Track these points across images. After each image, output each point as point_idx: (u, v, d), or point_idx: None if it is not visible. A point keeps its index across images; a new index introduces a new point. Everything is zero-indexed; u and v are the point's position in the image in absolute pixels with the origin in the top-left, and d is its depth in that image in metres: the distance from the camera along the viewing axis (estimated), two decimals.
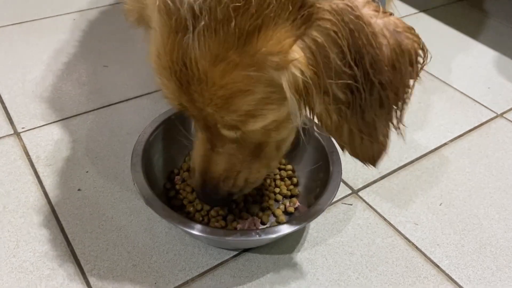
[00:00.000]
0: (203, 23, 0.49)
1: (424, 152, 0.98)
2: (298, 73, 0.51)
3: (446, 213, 0.86)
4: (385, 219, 0.83)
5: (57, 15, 1.31)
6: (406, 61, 0.53)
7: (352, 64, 0.50)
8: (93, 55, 1.17)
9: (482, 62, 1.29)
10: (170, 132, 0.84)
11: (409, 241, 0.80)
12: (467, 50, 1.34)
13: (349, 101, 0.53)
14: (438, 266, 0.77)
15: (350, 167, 0.92)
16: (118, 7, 1.36)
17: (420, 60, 0.54)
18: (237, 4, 0.48)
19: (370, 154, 0.59)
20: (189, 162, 0.86)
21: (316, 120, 0.57)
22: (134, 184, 0.73)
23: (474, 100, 1.14)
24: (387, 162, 0.94)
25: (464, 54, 1.31)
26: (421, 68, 0.55)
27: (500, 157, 0.99)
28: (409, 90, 0.55)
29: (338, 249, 0.78)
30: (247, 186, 0.71)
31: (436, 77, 1.20)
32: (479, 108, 1.12)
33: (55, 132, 0.94)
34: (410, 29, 0.54)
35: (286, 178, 0.85)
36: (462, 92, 1.16)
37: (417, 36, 0.54)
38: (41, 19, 1.29)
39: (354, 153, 0.60)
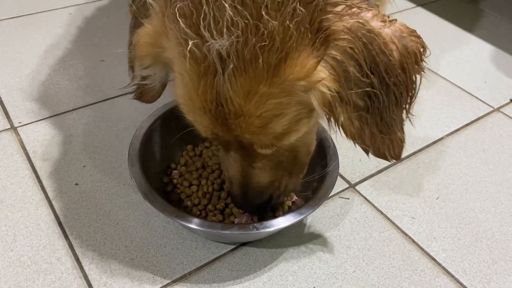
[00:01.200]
0: (232, 65, 0.53)
1: (421, 146, 0.98)
2: (325, 89, 0.55)
3: (443, 207, 0.86)
4: (382, 213, 0.84)
5: (53, 9, 1.31)
6: (413, 61, 0.58)
7: (369, 73, 0.55)
8: (90, 49, 1.16)
9: (479, 57, 1.29)
10: (168, 127, 0.84)
11: (406, 234, 0.81)
12: (464, 44, 1.34)
13: (368, 106, 0.58)
14: (434, 260, 0.77)
15: (347, 161, 0.93)
16: (115, 1, 1.36)
17: (423, 58, 0.60)
18: (263, 43, 0.52)
19: (393, 151, 0.64)
20: (187, 156, 0.86)
21: (340, 130, 0.61)
22: (131, 178, 0.73)
23: (471, 94, 1.14)
24: None
25: (461, 49, 1.32)
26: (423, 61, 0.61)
27: (496, 151, 0.99)
28: (416, 85, 0.61)
29: (335, 243, 0.78)
30: (287, 191, 0.74)
31: (434, 72, 1.20)
32: (476, 102, 1.12)
33: (52, 127, 0.94)
34: (413, 32, 0.59)
35: None
36: (459, 87, 1.16)
37: (419, 37, 0.59)
38: (37, 13, 1.29)
39: (378, 154, 0.64)
